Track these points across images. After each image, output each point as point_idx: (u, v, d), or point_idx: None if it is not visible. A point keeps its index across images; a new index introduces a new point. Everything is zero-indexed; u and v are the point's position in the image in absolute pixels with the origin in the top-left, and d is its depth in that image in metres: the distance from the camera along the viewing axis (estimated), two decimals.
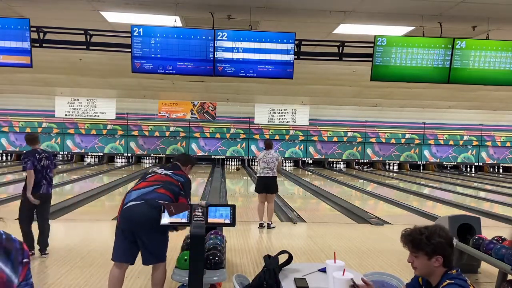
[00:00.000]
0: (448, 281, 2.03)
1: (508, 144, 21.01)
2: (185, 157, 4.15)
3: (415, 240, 2.11)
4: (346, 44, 6.91)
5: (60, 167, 18.14)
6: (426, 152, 20.99)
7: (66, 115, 16.84)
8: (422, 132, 20.75)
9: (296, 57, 6.53)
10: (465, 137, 20.91)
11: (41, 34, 6.56)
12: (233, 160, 20.65)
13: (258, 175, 7.32)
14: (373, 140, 20.72)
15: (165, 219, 3.32)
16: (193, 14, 6.52)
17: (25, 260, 1.15)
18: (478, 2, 5.71)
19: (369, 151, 20.85)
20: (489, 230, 5.53)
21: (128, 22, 6.32)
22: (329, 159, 20.88)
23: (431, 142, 20.87)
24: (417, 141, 20.81)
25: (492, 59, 6.46)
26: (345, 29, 7.02)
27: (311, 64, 8.40)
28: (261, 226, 7.14)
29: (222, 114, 18.42)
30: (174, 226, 3.48)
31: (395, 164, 21.47)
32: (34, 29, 6.35)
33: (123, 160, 20.43)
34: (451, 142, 20.92)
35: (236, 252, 5.60)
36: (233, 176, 17.07)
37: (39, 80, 12.96)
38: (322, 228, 7.35)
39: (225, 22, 6.54)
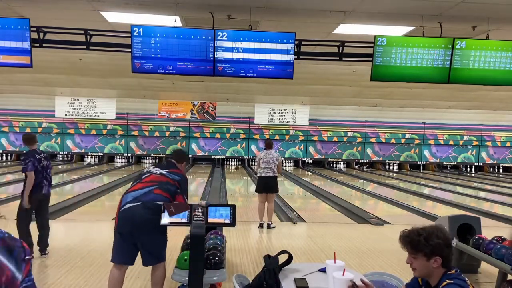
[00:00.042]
0: (447, 281, 2.03)
1: (508, 144, 21.02)
2: (179, 153, 4.06)
3: (413, 242, 2.10)
4: (346, 44, 6.91)
5: (60, 167, 18.17)
6: (426, 152, 20.99)
7: (66, 115, 16.84)
8: (422, 132, 20.75)
9: (296, 57, 6.53)
10: (465, 137, 20.91)
11: (41, 34, 6.55)
12: (233, 160, 20.65)
13: (258, 174, 7.31)
14: (373, 140, 20.72)
15: (165, 219, 3.32)
16: (193, 14, 6.52)
17: (27, 257, 1.19)
18: (478, 2, 5.71)
19: (369, 151, 20.85)
20: (489, 230, 5.54)
21: (128, 22, 6.32)
22: (329, 159, 20.88)
23: (431, 142, 20.87)
24: (417, 141, 20.82)
25: (492, 59, 6.46)
26: (345, 29, 7.02)
27: (311, 64, 8.40)
28: (261, 226, 7.14)
29: (222, 114, 18.42)
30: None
31: (395, 164, 21.48)
32: (34, 29, 6.35)
33: (123, 160, 20.43)
34: (451, 142, 20.93)
35: (236, 252, 5.60)
36: (233, 176, 17.07)
37: (39, 80, 12.96)
38: (322, 228, 7.35)
39: (225, 22, 6.54)
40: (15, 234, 1.27)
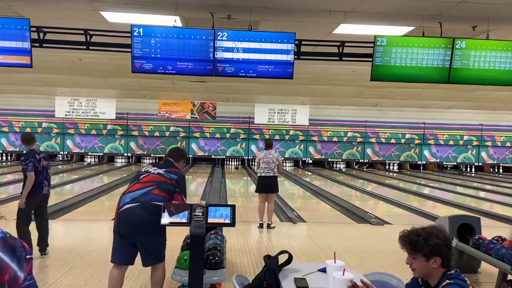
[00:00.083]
0: (447, 281, 2.03)
1: (508, 144, 21.01)
2: (177, 152, 4.01)
3: (413, 242, 2.10)
4: (346, 44, 6.91)
5: (60, 167, 18.17)
6: (426, 152, 20.99)
7: (66, 115, 16.84)
8: (422, 132, 20.75)
9: (296, 57, 6.53)
10: (465, 137, 20.91)
11: (41, 34, 6.56)
12: (233, 160, 20.66)
13: (258, 175, 7.31)
14: (373, 140, 20.72)
15: (165, 219, 3.32)
16: (193, 14, 6.52)
17: (28, 256, 1.21)
18: (478, 2, 5.71)
19: (369, 151, 20.85)
20: (489, 230, 5.54)
21: (128, 22, 6.32)
22: (329, 159, 20.88)
23: (431, 142, 20.87)
24: (417, 141, 20.82)
25: (492, 59, 6.46)
26: (345, 29, 7.02)
27: (311, 64, 8.40)
28: (261, 226, 7.14)
29: (222, 114, 18.42)
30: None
31: (395, 164, 21.47)
32: (34, 29, 6.35)
33: (123, 160, 20.42)
34: (451, 142, 20.93)
35: (236, 252, 5.60)
36: (233, 176, 17.07)
37: (39, 80, 12.96)
38: (322, 228, 7.35)
39: (225, 22, 6.54)
40: (14, 234, 1.28)
